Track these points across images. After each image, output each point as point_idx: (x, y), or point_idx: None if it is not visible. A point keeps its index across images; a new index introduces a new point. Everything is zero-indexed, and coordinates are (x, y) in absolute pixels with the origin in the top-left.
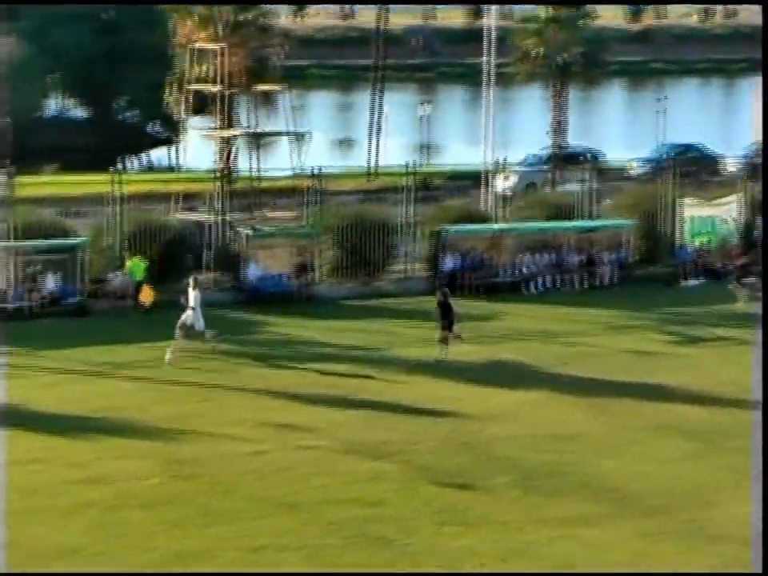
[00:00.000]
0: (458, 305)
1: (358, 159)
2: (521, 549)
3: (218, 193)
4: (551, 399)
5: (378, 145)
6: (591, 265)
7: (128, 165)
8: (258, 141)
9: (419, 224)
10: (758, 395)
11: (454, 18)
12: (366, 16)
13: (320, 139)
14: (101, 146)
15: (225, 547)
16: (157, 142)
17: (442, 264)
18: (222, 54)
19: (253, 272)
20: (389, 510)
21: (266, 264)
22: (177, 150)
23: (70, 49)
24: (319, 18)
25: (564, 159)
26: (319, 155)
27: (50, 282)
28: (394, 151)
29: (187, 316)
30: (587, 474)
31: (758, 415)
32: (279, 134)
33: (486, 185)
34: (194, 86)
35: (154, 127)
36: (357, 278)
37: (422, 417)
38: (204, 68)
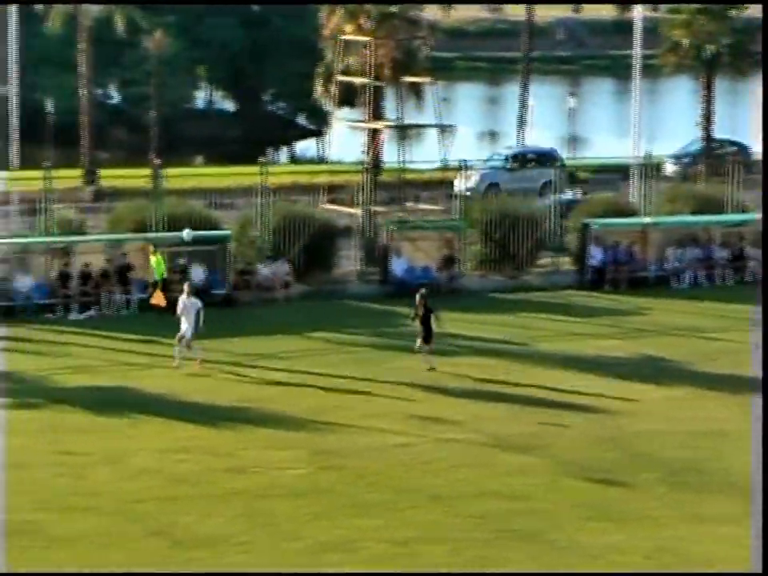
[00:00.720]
0: (605, 299)
1: (504, 152)
2: (667, 546)
3: (365, 185)
4: (697, 396)
5: (524, 137)
6: (739, 259)
7: (275, 156)
8: (405, 133)
9: (566, 217)
10: (758, 395)
11: (601, 9)
12: (514, 8)
13: (466, 131)
14: (248, 137)
15: (370, 538)
16: (304, 134)
17: (588, 258)
18: (370, 46)
19: (399, 265)
20: (534, 504)
21: (412, 256)
22: (323, 142)
23: (219, 42)
24: (468, 10)
25: (709, 152)
26: (465, 147)
27: (198, 273)
28: (540, 144)
29: (186, 328)
30: (733, 471)
31: (758, 413)
32: (425, 126)
33: (634, 178)
34: (342, 78)
35: (302, 119)
36: (503, 271)
37: (566, 411)
38: (352, 60)
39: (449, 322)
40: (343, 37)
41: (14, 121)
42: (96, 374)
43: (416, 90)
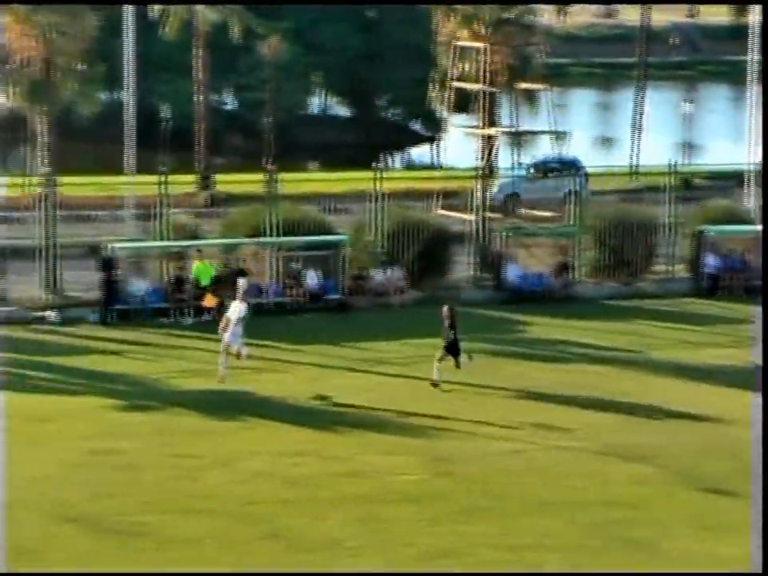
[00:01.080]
0: (719, 307)
1: (618, 158)
2: None
3: (479, 191)
4: None
5: (639, 143)
6: None
7: (389, 162)
8: (519, 139)
9: (681, 224)
10: (758, 396)
11: (717, 14)
12: (629, 13)
13: (580, 138)
14: (363, 143)
15: (482, 545)
16: (418, 140)
17: (703, 265)
18: (485, 52)
19: (513, 271)
20: (647, 513)
21: (526, 263)
22: (438, 148)
23: (335, 47)
24: (582, 15)
25: None
26: (580, 154)
27: (312, 278)
28: (656, 150)
29: (231, 334)
30: None
31: (758, 414)
32: (540, 132)
33: (750, 184)
34: (457, 84)
35: (416, 125)
36: (617, 278)
37: (679, 420)
38: (466, 65)
39: (561, 328)
40: (458, 43)
41: (131, 126)
42: (209, 377)
43: (530, 96)
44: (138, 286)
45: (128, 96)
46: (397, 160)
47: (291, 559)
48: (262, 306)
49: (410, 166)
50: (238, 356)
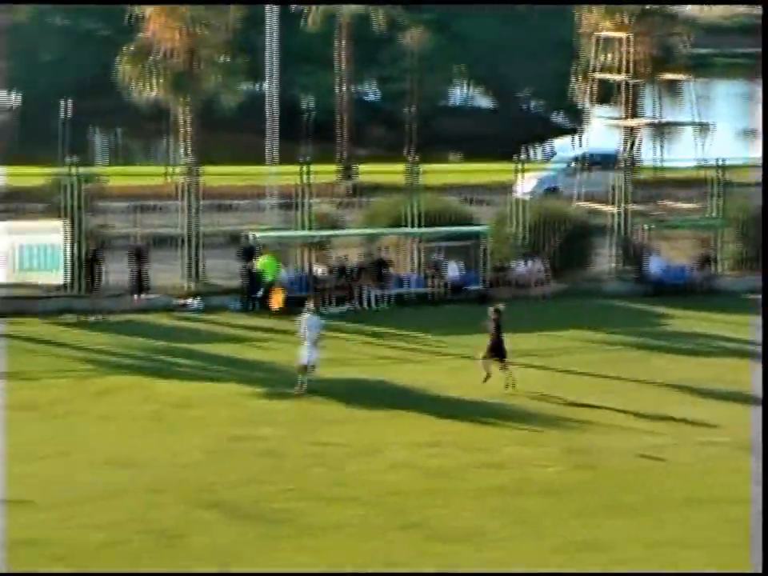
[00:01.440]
0: None
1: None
2: None
3: (622, 183)
4: None
5: None
6: None
7: (531, 154)
8: (662, 131)
9: None
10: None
11: None
12: None
13: (725, 129)
14: (504, 135)
15: (624, 540)
16: (560, 132)
17: None
18: (628, 43)
19: (655, 263)
20: None
21: (669, 255)
22: (580, 140)
23: (477, 39)
24: (726, 5)
25: None
26: (723, 146)
27: (453, 269)
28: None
29: (309, 354)
30: None
31: (758, 415)
32: (683, 124)
33: None
34: (599, 75)
35: (558, 117)
36: (760, 271)
37: None
38: (609, 56)
39: (703, 321)
40: (601, 34)
41: (274, 117)
42: (351, 366)
43: (673, 88)
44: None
45: (270, 87)
46: (538, 152)
47: (430, 549)
48: (403, 297)
49: (551, 158)
50: (304, 370)
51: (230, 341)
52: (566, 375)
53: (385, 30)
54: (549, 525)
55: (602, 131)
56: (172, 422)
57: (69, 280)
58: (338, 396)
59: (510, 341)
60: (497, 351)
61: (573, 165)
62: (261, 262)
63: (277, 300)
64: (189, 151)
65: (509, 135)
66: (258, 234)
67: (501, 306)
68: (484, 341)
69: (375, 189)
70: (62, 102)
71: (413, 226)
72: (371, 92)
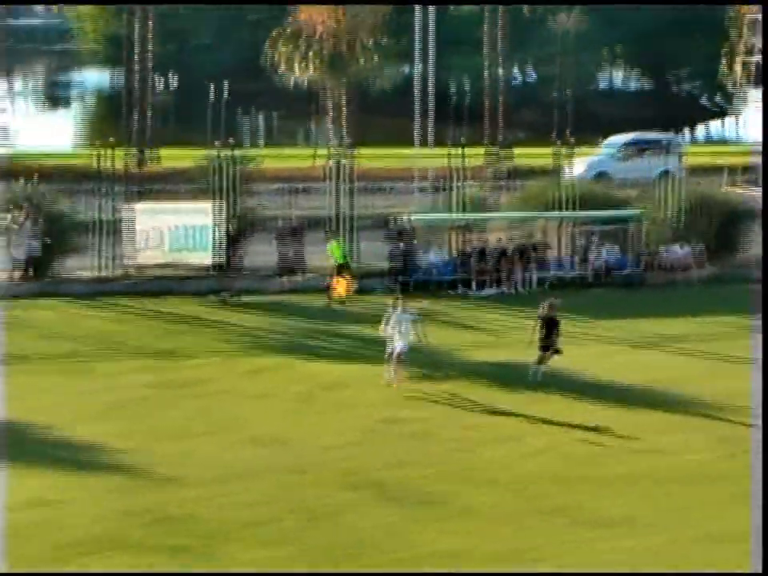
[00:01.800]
0: None
1: None
2: None
3: None
4: None
5: None
6: None
7: (684, 136)
8: None
9: None
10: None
11: None
12: None
13: None
14: (657, 117)
15: None
16: (714, 114)
17: None
18: None
19: None
20: None
21: None
22: (734, 122)
23: (632, 21)
24: None
25: None
26: None
27: (605, 253)
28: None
29: (400, 345)
30: None
31: (758, 416)
32: None
33: None
34: (753, 58)
35: (712, 99)
36: None
37: None
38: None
39: None
40: (754, 15)
41: (425, 100)
42: (498, 349)
43: None
44: (429, 257)
45: (423, 70)
46: (690, 134)
47: (573, 535)
48: (556, 280)
49: (707, 140)
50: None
51: (379, 323)
52: (716, 361)
53: (537, 12)
54: (697, 514)
55: (756, 113)
56: (321, 404)
57: (218, 260)
58: (488, 379)
59: (661, 325)
60: (546, 346)
61: (622, 150)
62: (328, 247)
63: (342, 287)
64: (343, 133)
65: (660, 117)
66: (411, 217)
67: (556, 301)
68: (636, 326)
69: (527, 172)
70: (213, 85)
71: (566, 210)
72: (523, 75)
